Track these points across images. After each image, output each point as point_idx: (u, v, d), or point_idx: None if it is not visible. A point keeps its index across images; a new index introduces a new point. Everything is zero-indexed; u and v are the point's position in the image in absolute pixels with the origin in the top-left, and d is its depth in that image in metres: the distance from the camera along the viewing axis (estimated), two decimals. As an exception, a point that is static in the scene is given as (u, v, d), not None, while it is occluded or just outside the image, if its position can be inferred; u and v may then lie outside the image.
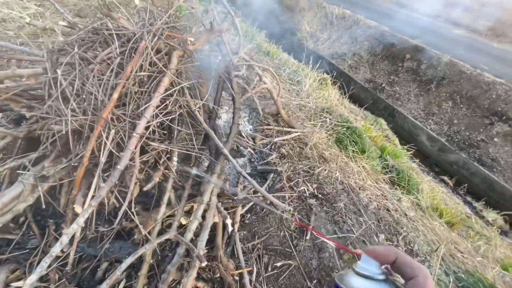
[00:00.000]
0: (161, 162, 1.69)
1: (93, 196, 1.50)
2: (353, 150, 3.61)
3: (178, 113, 1.74)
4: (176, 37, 1.91)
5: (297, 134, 2.98)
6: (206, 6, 2.17)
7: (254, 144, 2.67)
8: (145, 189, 1.54)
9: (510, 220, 6.46)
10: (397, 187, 3.80)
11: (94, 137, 1.50)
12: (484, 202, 6.96)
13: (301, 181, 2.48)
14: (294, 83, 4.54)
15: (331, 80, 6.23)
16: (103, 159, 1.51)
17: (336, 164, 2.92)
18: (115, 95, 1.50)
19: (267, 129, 2.92)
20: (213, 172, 1.69)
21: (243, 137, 2.62)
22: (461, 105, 9.53)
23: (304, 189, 2.42)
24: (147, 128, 1.63)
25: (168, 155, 1.74)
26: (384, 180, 3.69)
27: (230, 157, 1.67)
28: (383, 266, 0.40)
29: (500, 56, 11.11)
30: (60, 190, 1.69)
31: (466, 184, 7.56)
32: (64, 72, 1.58)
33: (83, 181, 1.60)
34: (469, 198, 7.52)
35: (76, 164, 1.55)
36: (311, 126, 3.46)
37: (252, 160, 2.53)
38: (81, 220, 1.33)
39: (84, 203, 1.53)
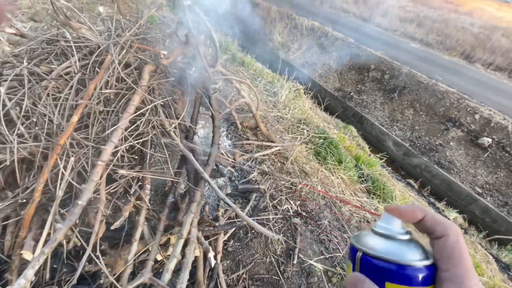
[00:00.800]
0: (131, 191, 1.48)
1: (47, 238, 1.25)
2: (331, 163, 3.63)
3: (151, 134, 1.55)
4: (147, 50, 1.73)
5: (277, 148, 2.91)
6: (180, 16, 2.02)
7: (234, 161, 2.53)
8: (113, 227, 1.33)
9: (469, 218, 6.99)
10: (373, 196, 3.89)
11: (49, 167, 1.26)
12: (445, 202, 7.47)
13: (284, 199, 2.38)
14: (271, 94, 4.51)
15: (304, 90, 6.35)
16: (60, 192, 1.27)
17: (317, 178, 2.88)
18: (75, 118, 1.28)
19: (246, 144, 2.80)
20: (192, 201, 1.52)
21: (223, 154, 2.47)
22: (421, 112, 10.31)
23: (287, 207, 2.33)
24: (114, 153, 1.42)
25: (139, 183, 1.54)
26: (361, 189, 3.75)
27: (212, 183, 1.52)
28: (406, 227, 0.35)
29: (450, 68, 12.27)
30: (4, 230, 1.40)
31: (429, 186, 8.07)
32: (9, 90, 1.33)
33: (34, 219, 1.34)
34: (432, 199, 8.03)
35: (24, 200, 1.29)
36: (290, 139, 3.42)
37: (233, 178, 2.39)
38: (30, 273, 1.09)
39: (35, 247, 1.27)
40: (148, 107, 1.55)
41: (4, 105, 1.29)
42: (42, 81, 1.41)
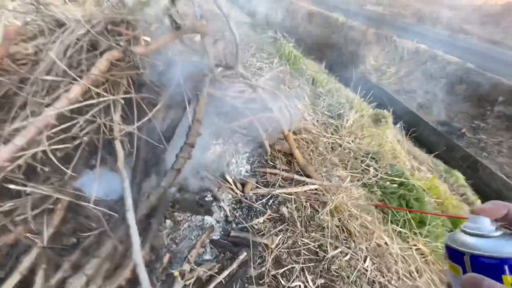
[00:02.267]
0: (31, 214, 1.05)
1: None
2: (404, 221, 2.45)
3: (83, 139, 1.11)
4: (125, 34, 1.35)
5: (314, 187, 2.07)
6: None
7: (242, 193, 1.87)
8: None
9: None
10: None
11: None
12: None
13: (298, 269, 1.54)
14: (334, 116, 3.63)
15: (391, 118, 5.19)
16: None
17: (369, 245, 1.87)
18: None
19: (270, 173, 2.09)
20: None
21: (226, 182, 1.86)
22: None
23: (300, 285, 1.47)
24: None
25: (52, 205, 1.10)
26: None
27: (134, 236, 0.92)
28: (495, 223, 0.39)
29: None
30: None
31: None
32: None
33: None
34: None
35: None
36: (344, 177, 2.47)
37: (230, 219, 1.72)
38: None
39: None
40: (88, 102, 1.13)
41: None
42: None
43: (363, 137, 3.60)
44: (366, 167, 2.91)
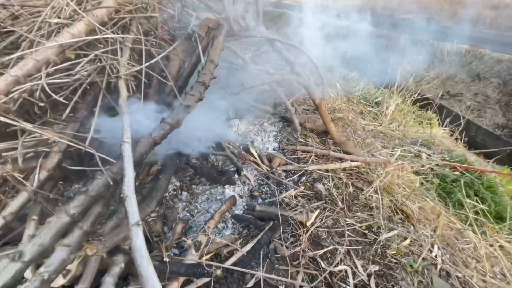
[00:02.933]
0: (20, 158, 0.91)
1: None
2: (477, 212, 1.95)
3: (87, 81, 0.99)
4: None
5: (354, 164, 1.73)
6: None
7: (269, 168, 1.61)
8: None
9: None
10: None
11: None
12: None
13: (343, 252, 1.20)
14: (371, 103, 3.26)
15: (438, 121, 4.70)
16: None
17: (434, 231, 1.45)
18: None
19: (301, 150, 1.81)
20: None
21: (251, 155, 1.62)
22: None
23: (346, 270, 1.13)
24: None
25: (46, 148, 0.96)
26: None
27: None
28: None
29: None
30: None
31: None
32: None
33: None
34: None
35: None
36: (387, 156, 2.09)
37: (256, 194, 1.46)
38: None
39: None
40: (94, 37, 1.02)
41: None
42: None
43: (408, 124, 3.16)
44: (417, 152, 2.47)
